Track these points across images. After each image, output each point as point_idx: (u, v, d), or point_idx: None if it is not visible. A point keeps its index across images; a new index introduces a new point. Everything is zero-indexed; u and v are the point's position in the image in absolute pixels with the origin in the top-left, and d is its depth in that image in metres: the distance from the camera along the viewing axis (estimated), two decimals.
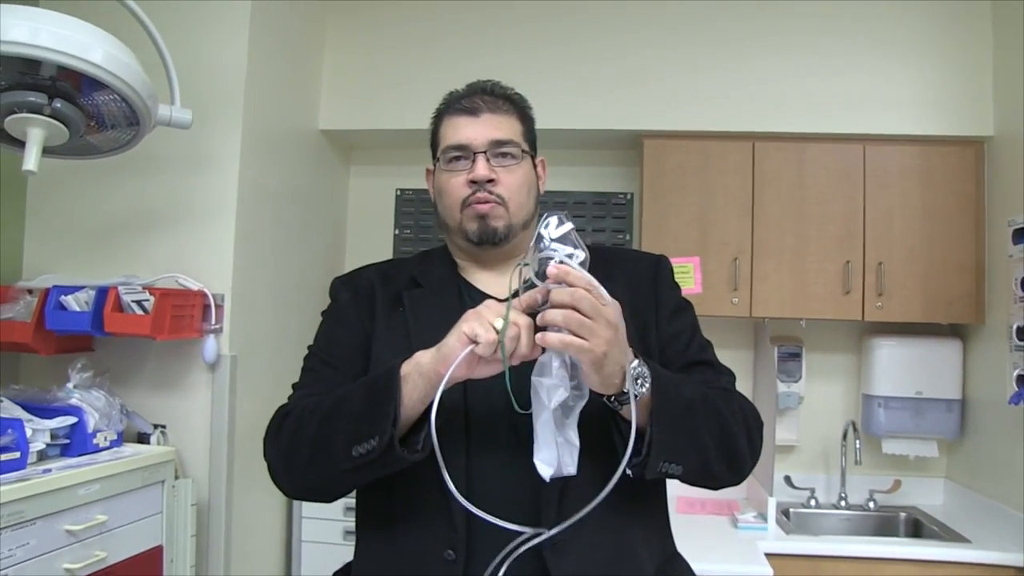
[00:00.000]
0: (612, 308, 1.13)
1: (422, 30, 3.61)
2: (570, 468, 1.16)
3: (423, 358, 1.20)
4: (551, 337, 1.11)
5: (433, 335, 1.23)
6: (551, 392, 1.14)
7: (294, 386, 1.46)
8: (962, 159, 3.36)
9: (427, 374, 1.18)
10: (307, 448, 1.28)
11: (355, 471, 1.23)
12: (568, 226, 1.16)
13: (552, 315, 1.11)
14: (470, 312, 1.17)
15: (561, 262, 1.13)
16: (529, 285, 1.18)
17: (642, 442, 1.19)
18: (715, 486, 1.38)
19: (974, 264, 3.31)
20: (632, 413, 1.13)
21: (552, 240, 1.15)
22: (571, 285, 1.11)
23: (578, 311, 1.10)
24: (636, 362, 1.18)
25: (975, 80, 3.35)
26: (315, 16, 3.54)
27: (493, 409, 1.31)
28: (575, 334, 1.10)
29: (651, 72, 3.48)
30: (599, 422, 1.27)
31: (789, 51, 3.43)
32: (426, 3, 3.62)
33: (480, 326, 1.14)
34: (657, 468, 1.21)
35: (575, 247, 1.15)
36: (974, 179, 3.34)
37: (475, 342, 1.13)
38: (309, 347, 1.50)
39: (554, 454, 1.15)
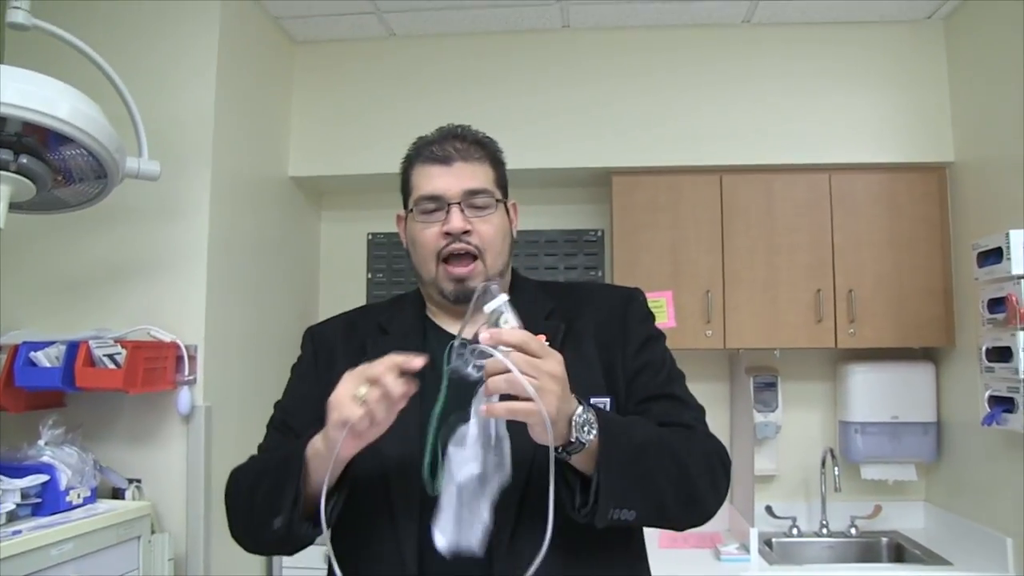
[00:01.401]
0: (555, 361, 1.11)
1: (389, 75, 3.64)
2: (472, 545, 1.12)
3: (317, 443, 1.21)
4: (497, 407, 1.08)
5: None
6: (460, 466, 1.12)
7: (259, 447, 1.49)
8: (925, 185, 3.42)
9: (325, 457, 1.19)
10: (243, 515, 1.35)
11: (281, 541, 1.27)
12: (501, 298, 1.15)
13: (495, 383, 1.07)
14: (332, 397, 1.16)
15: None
16: (458, 378, 1.15)
17: (589, 491, 1.17)
18: (676, 528, 1.35)
19: (942, 287, 3.36)
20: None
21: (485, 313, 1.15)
22: (507, 345, 1.08)
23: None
24: (580, 408, 1.15)
25: (934, 108, 3.43)
26: (282, 64, 3.56)
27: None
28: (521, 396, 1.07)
29: (618, 109, 3.52)
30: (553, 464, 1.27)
31: (753, 85, 3.49)
32: (393, 49, 3.65)
33: (345, 408, 1.13)
34: (607, 515, 1.17)
35: (508, 314, 1.15)
36: (938, 204, 3.40)
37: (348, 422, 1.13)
38: (275, 404, 1.52)
39: (451, 528, 1.13)
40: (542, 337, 1.12)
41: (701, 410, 1.44)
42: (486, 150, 1.47)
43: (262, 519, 1.25)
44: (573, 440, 1.14)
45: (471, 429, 1.12)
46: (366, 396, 1.11)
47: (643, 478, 1.20)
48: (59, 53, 2.28)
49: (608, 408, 1.36)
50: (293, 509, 1.21)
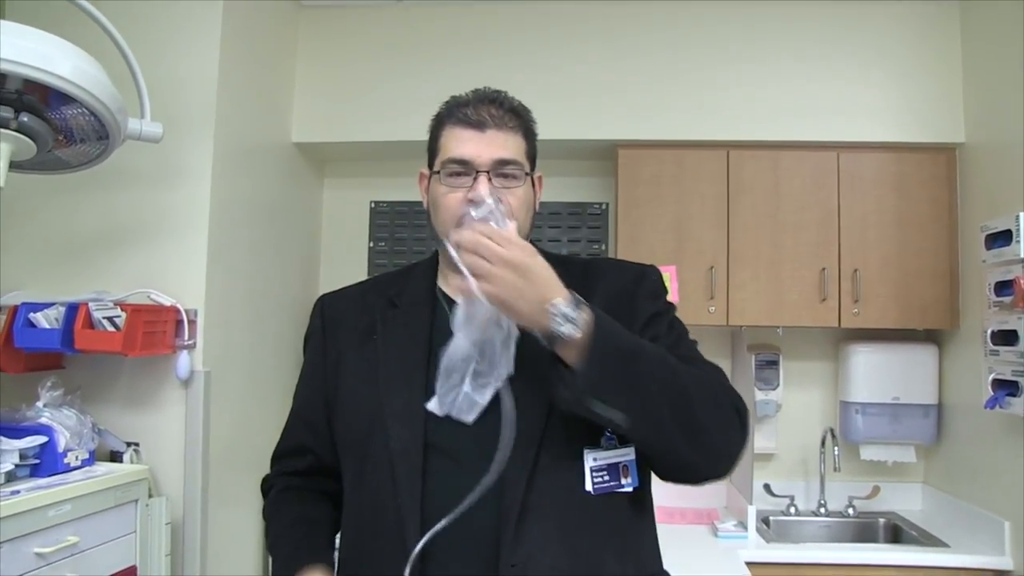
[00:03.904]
0: (514, 250, 1.17)
1: (395, 41, 3.59)
2: (462, 414, 1.22)
3: None
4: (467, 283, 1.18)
5: (400, 358, 1.32)
6: (452, 342, 1.23)
7: (284, 432, 1.57)
8: (934, 166, 3.39)
9: None
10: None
11: None
12: (487, 206, 1.28)
13: (465, 258, 1.18)
14: None
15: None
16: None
17: (572, 379, 1.18)
18: (691, 472, 1.31)
19: (948, 270, 3.34)
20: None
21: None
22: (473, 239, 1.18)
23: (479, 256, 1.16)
24: (559, 301, 1.16)
25: (946, 88, 3.39)
26: (287, 28, 3.51)
27: (452, 436, 1.29)
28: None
29: (625, 82, 3.48)
30: (565, 445, 1.28)
31: (763, 60, 3.45)
32: (399, 14, 3.60)
33: None
34: (586, 404, 1.17)
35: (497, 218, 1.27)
36: (947, 185, 3.38)
37: None
38: (298, 383, 1.55)
39: (443, 393, 1.24)
40: (512, 228, 1.26)
41: (718, 368, 1.37)
42: (520, 120, 1.45)
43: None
44: (550, 330, 1.16)
45: (459, 310, 1.23)
46: None
47: (633, 381, 1.19)
48: (62, 14, 2.23)
49: None
50: None
